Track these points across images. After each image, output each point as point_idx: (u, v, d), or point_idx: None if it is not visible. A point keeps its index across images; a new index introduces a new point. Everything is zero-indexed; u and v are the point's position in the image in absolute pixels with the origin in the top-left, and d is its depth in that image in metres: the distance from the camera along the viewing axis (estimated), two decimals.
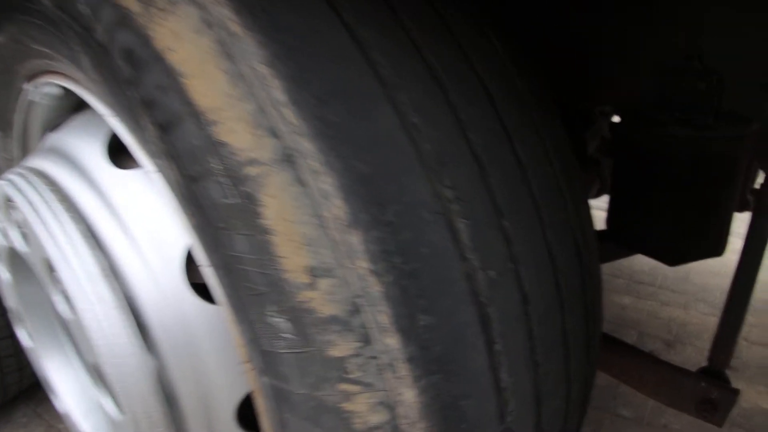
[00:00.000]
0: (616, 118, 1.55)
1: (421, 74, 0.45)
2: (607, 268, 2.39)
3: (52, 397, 0.92)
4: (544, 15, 0.96)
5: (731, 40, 0.96)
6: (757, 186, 1.74)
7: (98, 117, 0.63)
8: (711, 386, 1.22)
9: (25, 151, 0.91)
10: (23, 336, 0.91)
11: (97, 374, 0.60)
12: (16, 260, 0.78)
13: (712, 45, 0.98)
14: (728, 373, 1.26)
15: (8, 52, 0.72)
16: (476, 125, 0.46)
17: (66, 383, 0.88)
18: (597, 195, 1.56)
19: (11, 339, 1.44)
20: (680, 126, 1.03)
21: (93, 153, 0.64)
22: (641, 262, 2.47)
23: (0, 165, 0.95)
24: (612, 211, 1.17)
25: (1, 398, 1.63)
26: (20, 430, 1.79)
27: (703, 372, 1.25)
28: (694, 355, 2.00)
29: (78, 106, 0.77)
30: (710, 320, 2.18)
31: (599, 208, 1.32)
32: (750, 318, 2.17)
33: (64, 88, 0.72)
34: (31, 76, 0.75)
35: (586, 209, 0.61)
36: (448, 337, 0.42)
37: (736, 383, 1.27)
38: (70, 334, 0.77)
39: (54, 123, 0.82)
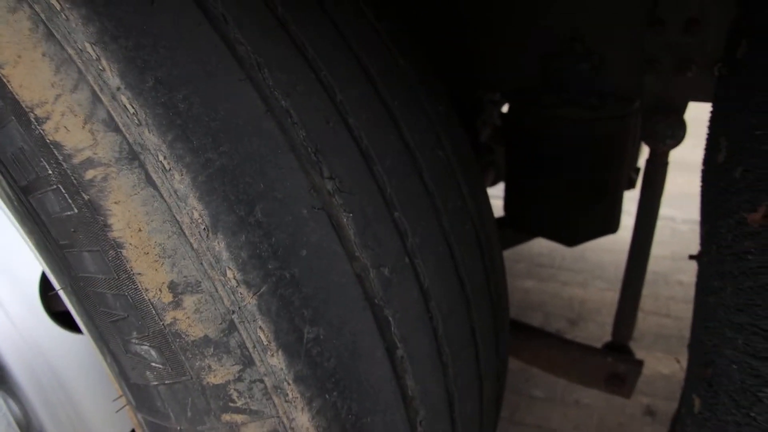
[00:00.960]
0: (506, 107, 1.58)
1: (289, 52, 0.39)
2: (508, 254, 2.46)
3: None
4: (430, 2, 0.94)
5: (610, 21, 0.98)
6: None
7: None
8: (617, 360, 1.26)
9: None
10: None
11: None
12: None
13: (592, 27, 1.00)
14: (630, 344, 1.32)
15: None
16: (357, 108, 0.41)
17: None
18: (493, 183, 1.58)
19: None
20: (567, 107, 1.05)
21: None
22: (540, 245, 2.57)
23: None
24: (508, 198, 1.18)
25: None
26: None
27: (608, 347, 1.30)
28: (597, 331, 2.10)
29: None
30: (607, 295, 2.30)
31: (496, 197, 1.33)
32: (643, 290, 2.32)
33: None
34: None
35: (484, 195, 0.59)
36: (342, 349, 0.37)
37: (636, 353, 1.33)
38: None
39: None
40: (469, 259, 0.50)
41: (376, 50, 0.49)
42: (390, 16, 0.57)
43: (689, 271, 2.46)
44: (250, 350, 0.35)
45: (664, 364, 1.90)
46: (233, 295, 0.34)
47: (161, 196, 0.34)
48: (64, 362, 0.53)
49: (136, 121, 0.33)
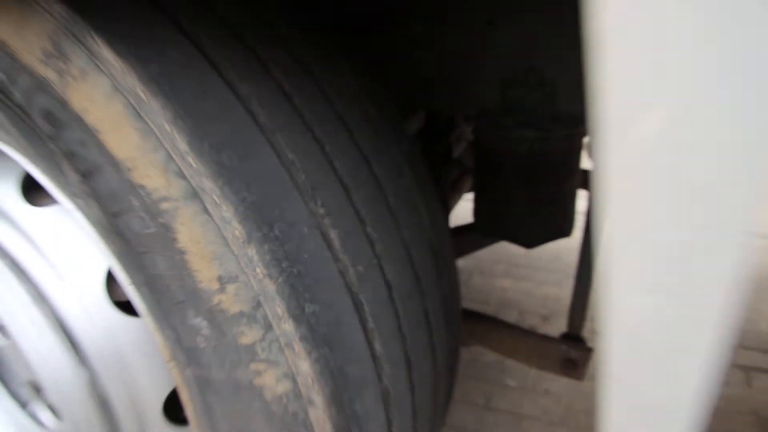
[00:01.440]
0: None
1: (293, 119, 0.59)
2: (488, 255, 2.66)
3: None
4: (406, 42, 1.14)
5: (561, 56, 1.18)
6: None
7: (9, 162, 0.72)
8: (571, 348, 1.47)
9: None
10: None
11: (35, 389, 0.69)
12: None
13: (546, 60, 1.20)
14: (589, 335, 1.52)
15: None
16: (339, 155, 0.61)
17: None
18: (469, 191, 1.79)
19: None
20: (523, 129, 1.25)
21: (6, 194, 0.72)
22: (518, 247, 2.77)
23: None
24: (476, 205, 1.38)
25: None
26: None
27: (564, 336, 1.50)
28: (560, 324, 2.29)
29: None
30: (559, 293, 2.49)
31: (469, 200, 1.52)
32: None
33: None
34: None
35: (438, 211, 0.79)
36: (331, 320, 0.57)
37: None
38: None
39: None
40: (423, 261, 0.70)
41: (352, 104, 0.69)
42: (361, 71, 0.76)
43: None
44: (270, 320, 0.54)
45: None
46: (260, 284, 0.53)
47: (213, 220, 0.53)
48: (122, 338, 0.72)
49: (197, 173, 0.52)
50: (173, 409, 0.74)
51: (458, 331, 0.83)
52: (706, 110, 0.28)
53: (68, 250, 0.69)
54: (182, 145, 0.53)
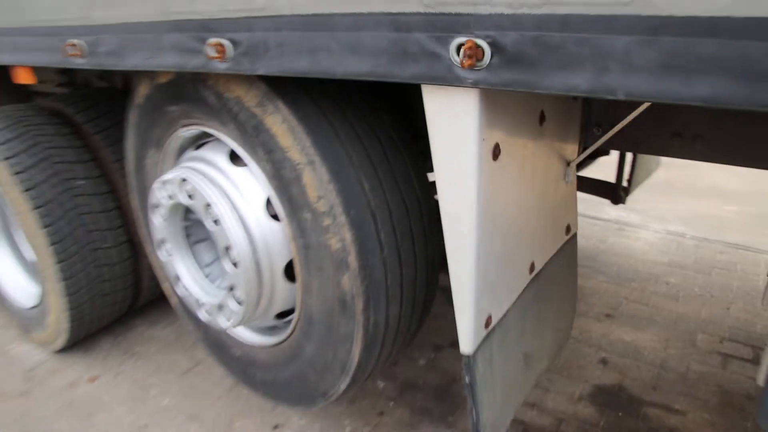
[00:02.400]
0: None
1: (366, 161, 1.34)
2: None
3: (177, 286, 1.81)
4: None
5: None
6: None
7: (221, 144, 1.53)
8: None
9: (161, 158, 1.80)
10: (162, 254, 1.81)
11: (227, 253, 1.49)
12: (175, 211, 1.68)
13: None
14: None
15: (178, 115, 1.62)
16: (371, 194, 1.35)
17: (188, 276, 1.77)
18: None
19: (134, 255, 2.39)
20: None
21: (222, 159, 1.54)
22: None
23: (150, 164, 1.85)
24: None
25: (123, 309, 2.57)
26: (100, 355, 2.69)
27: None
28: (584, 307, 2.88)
29: (197, 139, 1.67)
30: (602, 286, 3.06)
31: None
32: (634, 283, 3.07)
33: (201, 132, 1.61)
34: (184, 125, 1.64)
35: (431, 214, 1.50)
36: (360, 219, 1.31)
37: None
38: (212, 241, 1.65)
39: (184, 147, 1.72)
40: (411, 204, 1.42)
41: (380, 160, 1.43)
42: (397, 124, 1.49)
43: (678, 276, 3.15)
44: (336, 215, 1.29)
45: (628, 335, 2.65)
46: (333, 201, 1.28)
47: (317, 174, 1.29)
48: (271, 232, 1.50)
49: (310, 155, 1.28)
50: (289, 273, 1.52)
51: (437, 243, 1.54)
52: None
53: (249, 187, 1.49)
54: (309, 146, 1.29)
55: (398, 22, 0.90)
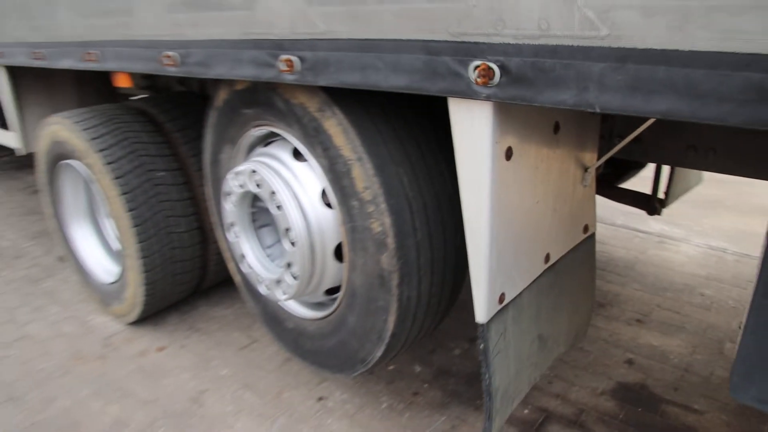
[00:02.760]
0: None
1: (407, 159, 1.59)
2: None
3: (242, 264, 2.11)
4: None
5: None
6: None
7: (286, 142, 1.82)
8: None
9: (234, 153, 2.11)
10: (231, 236, 2.12)
11: (286, 234, 1.78)
12: (244, 198, 1.98)
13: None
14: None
15: (251, 117, 1.92)
16: (418, 169, 1.61)
17: (252, 255, 2.07)
18: None
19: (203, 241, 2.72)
20: None
21: (286, 155, 1.83)
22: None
23: (224, 158, 2.17)
24: None
25: (191, 289, 2.90)
26: (168, 329, 3.04)
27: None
28: (617, 312, 3.04)
29: (266, 138, 1.97)
30: (636, 294, 3.19)
31: None
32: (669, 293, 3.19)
33: (270, 132, 1.91)
34: (255, 125, 1.95)
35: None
36: (397, 207, 1.56)
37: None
38: (274, 225, 1.95)
39: (254, 144, 2.02)
40: (442, 201, 1.66)
41: (417, 158, 1.68)
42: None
43: (714, 289, 3.25)
44: (379, 203, 1.55)
45: (656, 339, 2.78)
46: (377, 190, 1.54)
47: (365, 169, 1.55)
48: (325, 218, 1.78)
49: (358, 151, 1.54)
50: (337, 255, 1.79)
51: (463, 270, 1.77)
52: None
53: (308, 179, 1.77)
54: (359, 145, 1.56)
55: (430, 48, 1.16)
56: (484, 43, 1.08)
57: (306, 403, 2.41)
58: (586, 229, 1.82)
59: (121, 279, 2.92)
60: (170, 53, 1.84)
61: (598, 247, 3.81)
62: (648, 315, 2.99)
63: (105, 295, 3.11)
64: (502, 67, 1.07)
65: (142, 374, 2.68)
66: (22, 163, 6.52)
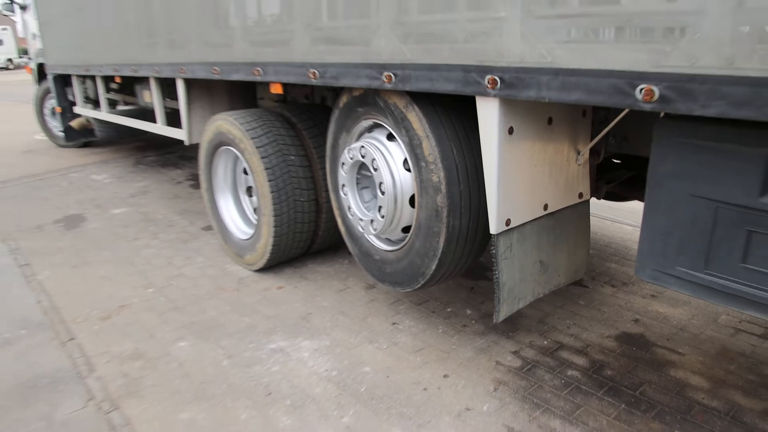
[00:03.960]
0: None
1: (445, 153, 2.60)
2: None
3: (348, 213, 3.18)
4: None
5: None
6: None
7: (384, 128, 2.88)
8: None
9: (348, 138, 3.19)
10: (341, 194, 3.20)
11: (379, 187, 2.81)
12: (353, 166, 3.06)
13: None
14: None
15: (362, 113, 3.00)
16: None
17: (355, 206, 3.14)
18: None
19: (317, 211, 3.84)
20: None
21: (383, 136, 2.88)
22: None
23: (341, 142, 3.26)
24: None
25: (304, 248, 4.04)
26: (285, 276, 4.17)
27: None
28: (635, 289, 3.84)
29: (370, 128, 3.04)
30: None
31: None
32: None
33: (373, 123, 2.98)
34: (364, 118, 3.03)
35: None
36: (449, 175, 2.55)
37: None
38: (374, 191, 3.01)
39: (362, 132, 3.11)
40: (474, 184, 2.63)
41: (464, 137, 2.68)
42: None
43: None
44: (439, 178, 2.55)
45: (663, 308, 3.56)
46: (439, 175, 2.53)
47: (431, 143, 2.55)
48: (404, 179, 2.81)
49: (422, 139, 2.55)
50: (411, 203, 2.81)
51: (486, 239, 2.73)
52: None
53: (396, 151, 2.81)
54: (427, 127, 2.57)
55: (465, 68, 2.17)
56: (493, 66, 2.09)
57: (383, 325, 3.43)
58: (581, 195, 2.73)
59: (254, 235, 4.10)
60: (314, 70, 2.97)
61: (630, 236, 4.55)
62: (662, 292, 3.76)
63: (240, 249, 4.30)
64: (501, 79, 2.07)
65: (266, 301, 3.81)
66: (167, 161, 8.11)
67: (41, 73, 9.24)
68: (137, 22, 5.02)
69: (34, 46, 9.24)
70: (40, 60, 8.77)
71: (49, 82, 8.29)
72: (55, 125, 9.16)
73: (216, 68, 3.93)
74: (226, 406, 2.73)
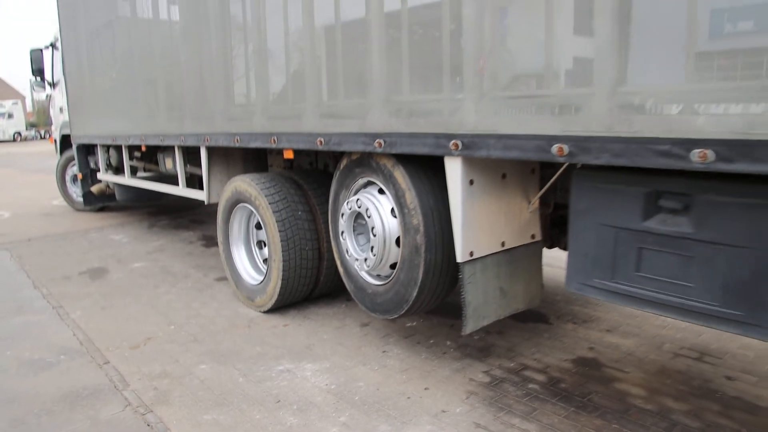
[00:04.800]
0: None
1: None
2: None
3: (346, 254, 3.86)
4: None
5: None
6: None
7: (376, 184, 3.61)
8: None
9: (347, 193, 3.90)
10: (341, 239, 3.89)
11: (372, 231, 3.51)
12: (351, 216, 3.77)
13: None
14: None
15: (358, 173, 3.74)
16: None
17: (352, 248, 3.82)
18: None
19: (319, 259, 4.52)
20: None
21: (375, 191, 3.60)
22: None
23: (341, 197, 3.98)
24: None
25: (307, 293, 4.69)
26: (290, 316, 4.80)
27: None
28: (594, 325, 4.48)
29: (365, 184, 3.76)
30: (612, 316, 4.58)
31: None
32: None
33: (368, 180, 3.71)
34: (360, 177, 3.76)
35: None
36: (426, 219, 3.25)
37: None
38: (368, 235, 3.71)
39: (359, 188, 3.84)
40: (446, 226, 3.33)
41: (439, 188, 3.41)
42: None
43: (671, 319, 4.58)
44: (412, 218, 3.25)
45: (615, 339, 4.17)
46: (415, 217, 3.24)
47: (412, 192, 3.27)
48: (391, 224, 3.51)
49: (402, 190, 3.27)
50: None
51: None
52: None
53: (385, 202, 3.52)
54: (409, 182, 3.29)
55: (437, 135, 2.92)
56: (455, 134, 2.84)
57: (375, 353, 4.03)
58: (533, 237, 3.42)
59: (264, 280, 4.76)
60: (321, 138, 3.73)
61: None
62: (617, 328, 4.39)
63: (251, 293, 4.94)
64: (462, 143, 2.81)
65: (274, 335, 4.42)
66: (179, 224, 8.83)
67: (63, 143, 10.12)
68: (167, 99, 5.87)
69: (60, 119, 10.18)
70: (65, 131, 9.66)
71: (74, 151, 9.13)
72: (75, 190, 9.96)
73: (237, 138, 4.71)
74: (243, 410, 3.30)
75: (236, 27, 4.68)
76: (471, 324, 3.18)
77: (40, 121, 64.87)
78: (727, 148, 1.96)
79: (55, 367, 3.94)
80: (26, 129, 53.91)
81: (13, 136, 49.48)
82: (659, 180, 2.34)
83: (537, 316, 4.63)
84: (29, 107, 71.71)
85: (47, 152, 29.41)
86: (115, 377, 3.76)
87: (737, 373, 3.64)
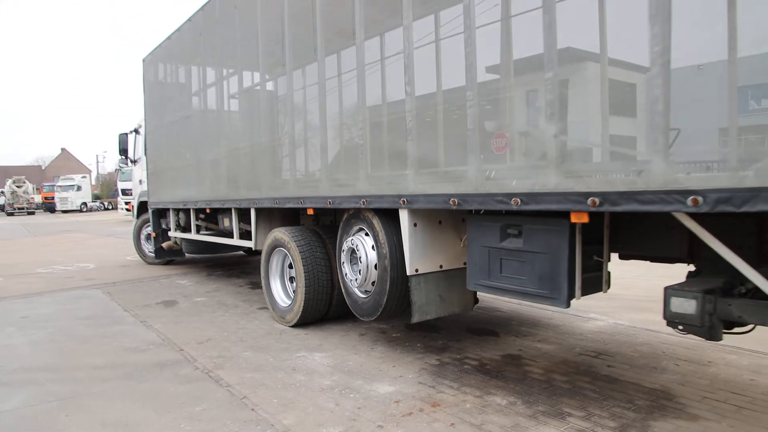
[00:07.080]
0: None
1: None
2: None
3: (357, 276, 5.71)
4: None
5: None
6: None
7: (364, 230, 5.48)
8: None
9: (347, 237, 5.78)
10: (343, 267, 5.75)
11: (359, 260, 5.35)
12: (349, 251, 5.65)
13: None
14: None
15: (354, 222, 5.64)
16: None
17: (349, 272, 5.67)
18: None
19: (332, 288, 6.42)
20: None
21: (363, 234, 5.48)
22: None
23: (344, 239, 5.86)
24: None
25: (323, 312, 6.57)
26: (309, 330, 6.67)
27: None
28: (528, 337, 6.16)
29: (357, 231, 5.65)
30: (546, 346, 6.24)
31: None
32: None
33: (359, 227, 5.60)
34: (354, 225, 5.66)
35: None
36: (391, 249, 5.07)
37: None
38: (358, 264, 5.58)
39: (354, 232, 5.73)
40: (402, 252, 5.15)
41: (395, 231, 5.27)
42: None
43: (591, 331, 6.18)
44: (385, 251, 5.09)
45: (540, 345, 5.82)
46: (394, 240, 5.07)
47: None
48: (372, 256, 5.35)
49: (381, 230, 5.12)
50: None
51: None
52: None
53: (369, 241, 5.38)
54: (381, 227, 5.15)
55: (393, 196, 4.82)
56: (403, 194, 4.73)
57: (365, 348, 5.81)
58: (465, 263, 5.20)
59: (292, 303, 6.63)
60: (330, 200, 5.68)
61: (539, 313, 6.81)
62: (545, 339, 6.03)
63: (282, 312, 6.82)
64: (407, 200, 4.70)
65: (297, 339, 6.26)
66: (231, 274, 10.88)
67: (140, 209, 12.49)
68: (227, 174, 8.02)
69: (139, 189, 12.61)
70: (143, 199, 12.03)
71: (149, 215, 11.42)
72: (148, 247, 12.22)
73: (277, 201, 6.72)
74: (270, 372, 5.12)
75: (277, 124, 6.81)
76: (417, 316, 4.95)
77: (103, 193, 70.44)
78: (526, 197, 3.79)
79: (147, 351, 5.86)
80: (92, 200, 58.69)
81: (80, 206, 54.03)
82: (506, 218, 4.17)
83: (490, 331, 6.32)
84: (93, 180, 77.64)
85: (112, 221, 32.73)
86: (189, 356, 5.64)
87: (618, 364, 5.25)
